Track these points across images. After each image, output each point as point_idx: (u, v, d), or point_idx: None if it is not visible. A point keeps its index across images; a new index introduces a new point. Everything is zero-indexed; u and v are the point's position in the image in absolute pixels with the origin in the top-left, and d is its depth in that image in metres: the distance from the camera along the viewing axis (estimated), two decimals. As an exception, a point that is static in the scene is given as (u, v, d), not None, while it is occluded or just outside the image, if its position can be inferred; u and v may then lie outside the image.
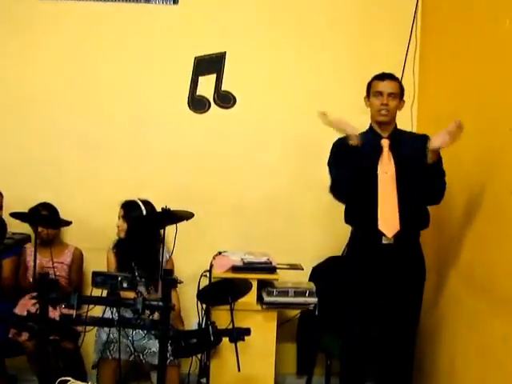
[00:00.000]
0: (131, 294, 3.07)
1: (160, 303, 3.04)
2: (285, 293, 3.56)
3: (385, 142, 3.25)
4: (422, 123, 4.17)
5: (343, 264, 3.55)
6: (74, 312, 3.03)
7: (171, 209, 3.22)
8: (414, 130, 4.07)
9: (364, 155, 3.18)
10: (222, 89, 4.19)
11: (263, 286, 3.66)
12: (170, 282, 3.03)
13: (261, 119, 4.24)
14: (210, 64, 4.16)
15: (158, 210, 3.68)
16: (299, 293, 3.58)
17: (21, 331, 3.47)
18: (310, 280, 3.97)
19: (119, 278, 3.02)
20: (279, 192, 4.27)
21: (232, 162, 4.25)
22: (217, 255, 3.87)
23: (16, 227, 3.58)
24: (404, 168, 3.20)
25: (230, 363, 3.41)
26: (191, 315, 3.97)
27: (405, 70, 4.22)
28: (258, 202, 4.25)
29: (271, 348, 3.63)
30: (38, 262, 3.88)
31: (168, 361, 3.44)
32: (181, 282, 3.09)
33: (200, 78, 4.16)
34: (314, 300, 3.57)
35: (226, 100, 4.19)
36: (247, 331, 3.21)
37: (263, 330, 3.52)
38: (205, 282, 3.77)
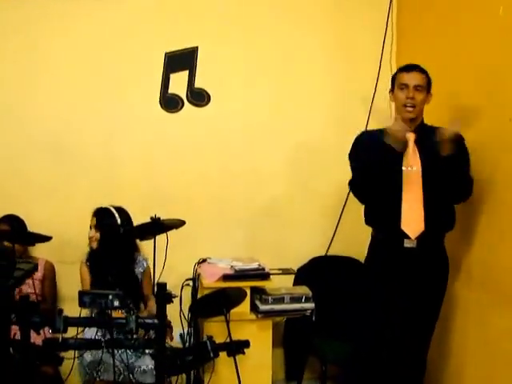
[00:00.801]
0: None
1: (155, 321, 2.84)
2: (280, 300, 3.40)
3: (411, 136, 3.03)
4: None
5: (363, 268, 3.37)
6: (60, 336, 2.82)
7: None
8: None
9: (388, 150, 2.97)
10: (196, 86, 3.97)
11: (254, 293, 3.49)
12: (165, 296, 2.82)
13: (237, 117, 4.06)
14: (182, 60, 3.93)
15: (133, 217, 3.54)
16: (295, 299, 3.42)
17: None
18: (295, 283, 3.83)
19: (110, 297, 2.79)
20: (260, 193, 4.11)
21: (209, 164, 4.05)
22: (201, 262, 3.68)
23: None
24: (430, 164, 2.99)
25: (225, 376, 3.27)
26: (174, 325, 3.76)
27: (381, 66, 4.15)
28: (238, 204, 4.07)
29: (267, 358, 3.47)
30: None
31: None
32: (175, 297, 2.90)
33: (171, 75, 3.93)
34: (311, 305, 3.42)
35: (199, 98, 3.98)
36: (246, 344, 3.06)
37: (259, 339, 3.34)
38: (187, 291, 3.61)
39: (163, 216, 3.41)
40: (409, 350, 3.11)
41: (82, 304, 2.83)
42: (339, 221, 4.14)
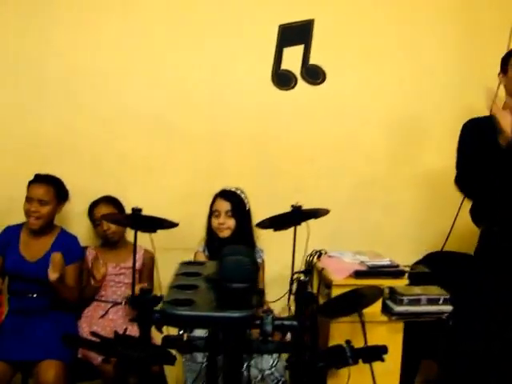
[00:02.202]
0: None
1: (294, 322, 2.51)
2: (416, 301, 3.05)
3: None
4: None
5: (473, 265, 3.09)
6: (184, 335, 2.51)
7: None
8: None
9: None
10: (310, 62, 3.61)
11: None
12: (307, 296, 2.49)
13: (354, 97, 3.70)
14: (297, 33, 3.57)
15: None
16: (432, 300, 3.07)
17: (108, 357, 2.86)
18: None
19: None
20: (375, 180, 3.75)
21: (322, 145, 3.70)
22: (315, 254, 3.33)
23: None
24: None
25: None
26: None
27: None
28: (351, 190, 3.72)
29: (397, 363, 3.13)
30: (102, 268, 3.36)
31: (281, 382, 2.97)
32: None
33: (285, 49, 3.58)
34: (449, 308, 3.06)
35: (314, 75, 3.62)
36: (384, 349, 2.72)
37: (389, 343, 2.97)
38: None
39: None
40: None
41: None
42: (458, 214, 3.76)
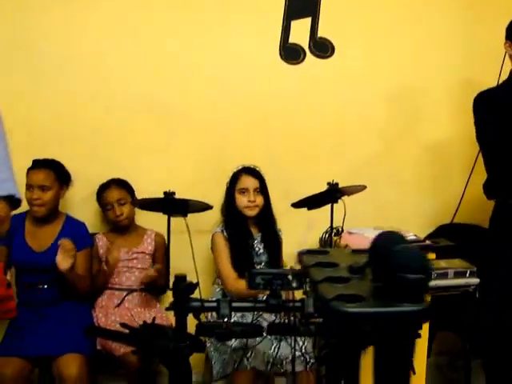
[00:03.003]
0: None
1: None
2: (444, 275, 3.01)
3: None
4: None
5: (487, 237, 3.11)
6: (223, 323, 2.42)
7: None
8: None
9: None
10: (319, 35, 3.51)
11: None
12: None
13: (363, 70, 3.60)
14: (304, 5, 3.46)
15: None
16: (459, 273, 3.03)
17: (139, 348, 2.73)
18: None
19: (289, 277, 2.39)
20: (382, 154, 3.69)
21: (330, 120, 3.61)
22: (331, 232, 3.26)
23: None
24: None
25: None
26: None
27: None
28: (360, 166, 3.65)
29: (424, 337, 3.06)
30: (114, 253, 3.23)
31: (309, 365, 2.91)
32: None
33: (292, 22, 3.47)
34: (476, 281, 3.04)
35: (323, 48, 3.52)
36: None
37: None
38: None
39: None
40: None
41: (253, 285, 2.43)
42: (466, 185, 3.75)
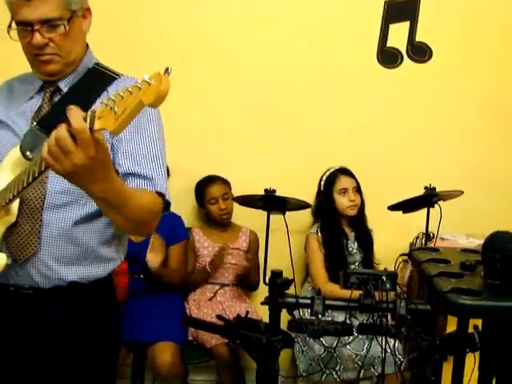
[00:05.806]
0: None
1: (427, 306, 2.45)
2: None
3: None
4: None
5: None
6: (316, 320, 2.46)
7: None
8: None
9: None
10: (417, 39, 3.50)
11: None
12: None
13: (461, 76, 3.55)
14: (403, 9, 3.46)
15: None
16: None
17: (234, 341, 2.81)
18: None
19: (383, 278, 2.41)
20: (480, 159, 3.62)
21: (427, 125, 3.59)
22: (423, 237, 3.25)
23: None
24: None
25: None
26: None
27: None
28: (455, 173, 3.60)
29: None
30: (210, 249, 3.33)
31: (401, 366, 2.91)
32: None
33: (391, 26, 3.47)
34: None
35: (420, 53, 3.50)
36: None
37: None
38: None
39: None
40: None
41: (348, 285, 2.46)
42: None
